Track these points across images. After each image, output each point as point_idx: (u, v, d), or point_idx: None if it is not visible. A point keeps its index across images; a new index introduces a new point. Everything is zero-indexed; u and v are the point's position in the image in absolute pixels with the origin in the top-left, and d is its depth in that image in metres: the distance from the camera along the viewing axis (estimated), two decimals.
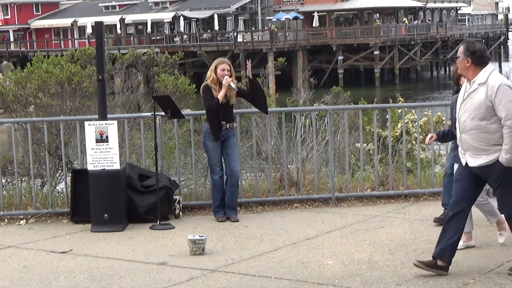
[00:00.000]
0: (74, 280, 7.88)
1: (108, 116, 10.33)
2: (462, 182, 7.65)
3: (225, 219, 10.24)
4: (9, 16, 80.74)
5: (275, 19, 72.39)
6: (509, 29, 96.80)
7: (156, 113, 10.21)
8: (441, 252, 7.61)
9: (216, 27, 70.75)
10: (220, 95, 10.01)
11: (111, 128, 10.03)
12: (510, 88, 7.28)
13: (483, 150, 7.39)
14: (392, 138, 11.75)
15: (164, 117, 10.78)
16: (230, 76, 10.08)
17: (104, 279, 7.86)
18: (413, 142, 12.62)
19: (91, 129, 10.03)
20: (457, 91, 8.10)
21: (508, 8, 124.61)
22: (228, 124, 10.20)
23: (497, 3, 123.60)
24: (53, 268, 8.36)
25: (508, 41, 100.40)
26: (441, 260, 7.59)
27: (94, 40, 11.10)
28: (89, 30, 69.92)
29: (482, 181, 7.64)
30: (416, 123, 12.00)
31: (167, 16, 74.03)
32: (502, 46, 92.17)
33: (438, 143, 13.05)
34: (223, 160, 10.29)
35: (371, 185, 11.39)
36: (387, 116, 11.65)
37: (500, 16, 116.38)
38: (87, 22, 70.05)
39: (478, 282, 7.31)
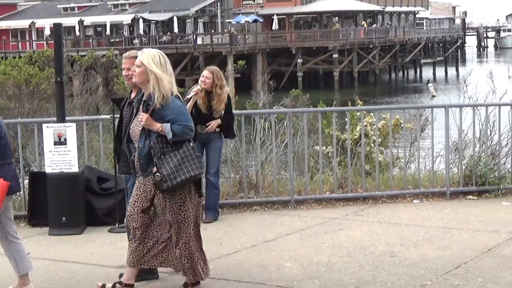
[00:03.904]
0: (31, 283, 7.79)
1: (67, 118, 10.25)
2: None
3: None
4: None
5: (235, 22, 72.44)
6: (466, 33, 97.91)
7: (115, 115, 10.13)
8: None
9: (176, 30, 70.64)
10: (188, 106, 10.04)
11: (70, 131, 9.96)
12: None
13: None
14: (351, 141, 11.81)
15: None
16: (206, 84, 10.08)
17: (62, 282, 7.80)
18: (372, 145, 12.69)
19: (49, 131, 9.95)
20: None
21: (465, 13, 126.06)
22: (206, 128, 10.19)
23: (454, 8, 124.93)
24: (10, 272, 8.25)
25: (465, 45, 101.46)
26: None
27: (53, 42, 11.01)
28: (47, 31, 69.17)
29: None
30: (375, 126, 12.09)
31: (126, 18, 73.67)
32: (459, 50, 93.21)
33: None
34: None
35: (330, 188, 11.43)
36: (346, 119, 11.73)
37: (458, 20, 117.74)
38: (45, 23, 69.30)
39: (435, 284, 7.37)
